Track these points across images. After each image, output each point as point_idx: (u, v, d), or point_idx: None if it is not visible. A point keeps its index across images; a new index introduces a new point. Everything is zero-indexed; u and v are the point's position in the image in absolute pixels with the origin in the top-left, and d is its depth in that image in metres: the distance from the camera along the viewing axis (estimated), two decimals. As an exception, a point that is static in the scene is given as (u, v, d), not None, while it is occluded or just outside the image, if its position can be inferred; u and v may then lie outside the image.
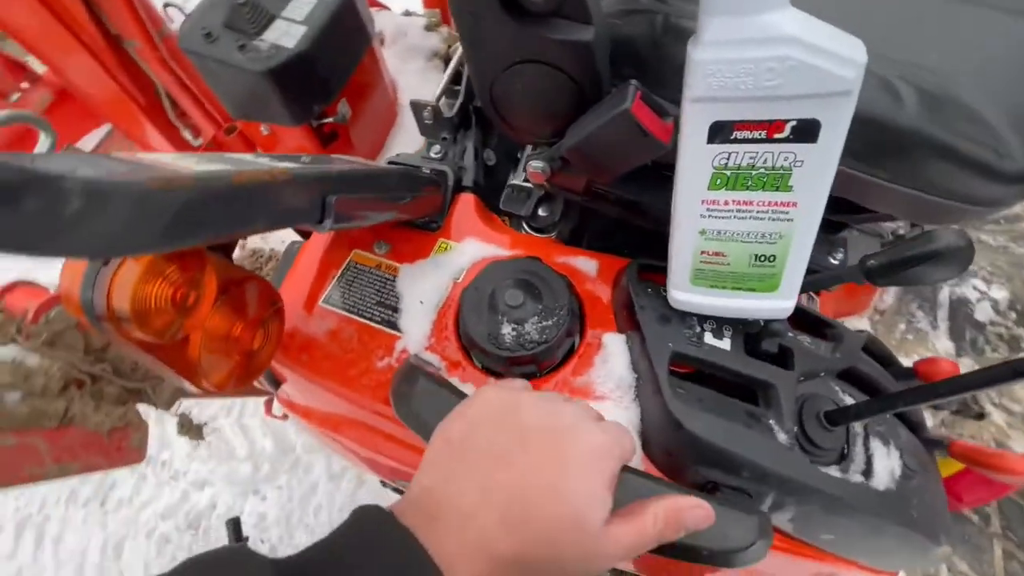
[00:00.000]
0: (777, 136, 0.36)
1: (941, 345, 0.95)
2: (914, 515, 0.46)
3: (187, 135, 1.22)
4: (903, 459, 0.48)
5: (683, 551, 0.34)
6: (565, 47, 0.42)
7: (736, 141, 0.37)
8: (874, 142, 0.43)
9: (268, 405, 0.85)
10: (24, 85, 1.45)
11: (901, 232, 0.71)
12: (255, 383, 0.68)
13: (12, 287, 0.62)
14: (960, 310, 0.98)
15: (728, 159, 0.38)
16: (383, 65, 1.06)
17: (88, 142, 1.51)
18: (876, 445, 0.48)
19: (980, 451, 0.54)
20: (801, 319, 0.57)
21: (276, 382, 0.65)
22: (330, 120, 0.91)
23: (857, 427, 0.49)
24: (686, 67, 0.36)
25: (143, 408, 0.73)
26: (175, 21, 1.07)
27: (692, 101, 0.37)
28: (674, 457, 0.46)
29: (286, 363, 0.58)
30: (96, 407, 0.64)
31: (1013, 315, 0.97)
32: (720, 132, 0.37)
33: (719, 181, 0.40)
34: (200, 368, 0.45)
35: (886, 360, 0.61)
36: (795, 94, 0.34)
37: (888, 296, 0.95)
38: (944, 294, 0.97)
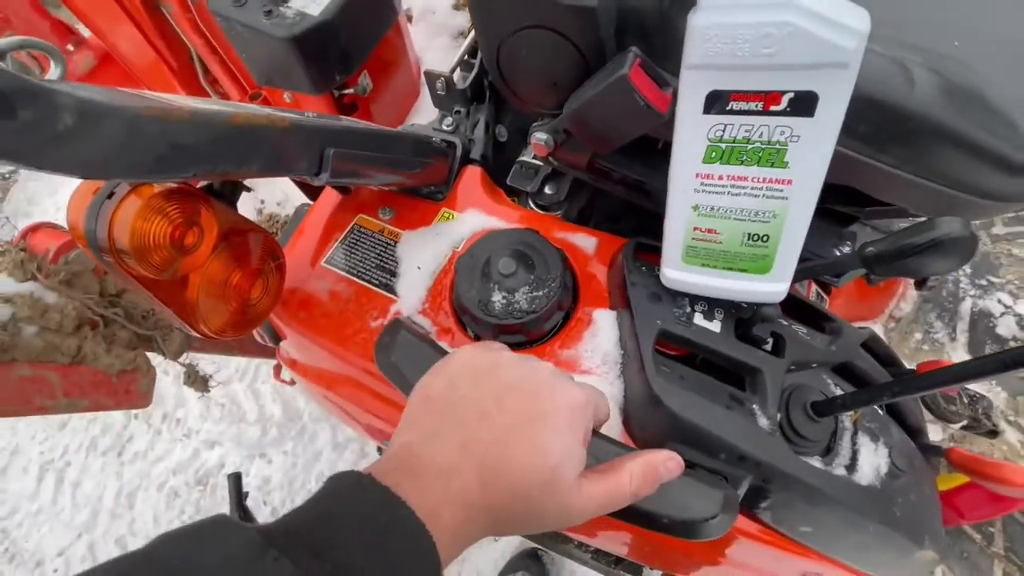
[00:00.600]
0: (774, 109, 0.36)
1: (958, 358, 0.91)
2: (896, 514, 0.45)
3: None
4: (891, 457, 0.47)
5: (644, 518, 0.34)
6: (570, 13, 0.42)
7: (732, 112, 0.37)
8: (880, 125, 0.41)
9: (277, 370, 0.87)
10: (69, 48, 1.51)
11: (917, 232, 0.68)
12: (257, 338, 0.70)
13: (36, 228, 0.65)
14: (981, 323, 0.94)
15: (724, 131, 0.38)
16: (408, 41, 1.07)
17: (126, 106, 1.57)
18: (864, 441, 0.47)
19: (978, 460, 0.52)
20: (801, 310, 0.56)
21: (277, 337, 0.66)
22: (350, 91, 0.93)
23: (846, 422, 0.48)
24: (686, 34, 0.36)
25: (152, 357, 0.76)
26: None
27: (689, 68, 0.36)
28: (652, 434, 0.46)
29: (285, 319, 0.60)
30: (107, 349, 0.67)
31: (1039, 333, 0.93)
32: (716, 102, 0.37)
33: (714, 154, 0.39)
34: (198, 310, 0.47)
35: (888, 360, 0.59)
36: (792, 63, 0.33)
37: (905, 304, 0.92)
38: (966, 305, 0.93)
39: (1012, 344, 0.91)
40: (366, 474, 0.27)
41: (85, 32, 1.43)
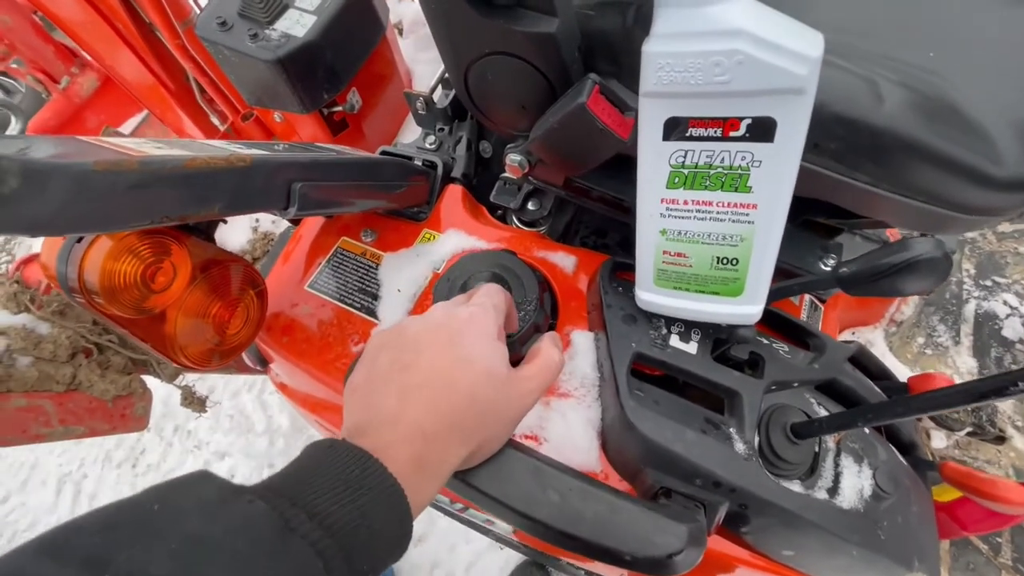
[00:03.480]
0: (733, 134, 0.35)
1: (962, 362, 0.89)
2: (881, 537, 0.44)
3: (215, 120, 1.28)
4: (875, 479, 0.46)
5: (607, 554, 0.34)
6: (529, 39, 0.42)
7: (692, 139, 0.36)
8: (850, 143, 0.40)
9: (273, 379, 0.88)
10: (74, 71, 1.55)
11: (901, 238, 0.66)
12: (247, 362, 0.71)
13: (29, 260, 0.67)
14: (986, 326, 0.91)
15: (685, 157, 0.37)
16: (399, 55, 1.07)
17: (128, 126, 1.60)
18: (847, 463, 0.46)
19: (972, 476, 0.51)
20: (783, 327, 0.55)
21: (263, 361, 0.67)
22: (340, 109, 0.93)
23: (830, 442, 0.47)
24: (641, 61, 0.35)
25: (149, 380, 0.77)
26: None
27: (645, 96, 0.36)
28: (628, 458, 0.46)
29: (269, 343, 0.61)
30: (102, 375, 0.68)
31: (1049, 334, 0.90)
32: (675, 128, 0.36)
33: (677, 179, 0.39)
34: (176, 344, 0.48)
35: (878, 374, 0.58)
36: (747, 90, 0.32)
37: (907, 307, 0.89)
38: (970, 308, 0.90)
39: (1020, 347, 0.88)
40: (338, 439, 0.29)
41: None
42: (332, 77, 0.89)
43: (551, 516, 0.34)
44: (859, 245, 0.64)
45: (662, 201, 0.40)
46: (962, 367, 0.88)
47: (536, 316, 0.51)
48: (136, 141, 0.38)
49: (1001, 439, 0.80)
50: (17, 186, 0.26)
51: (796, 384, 0.48)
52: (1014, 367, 0.96)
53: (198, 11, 1.11)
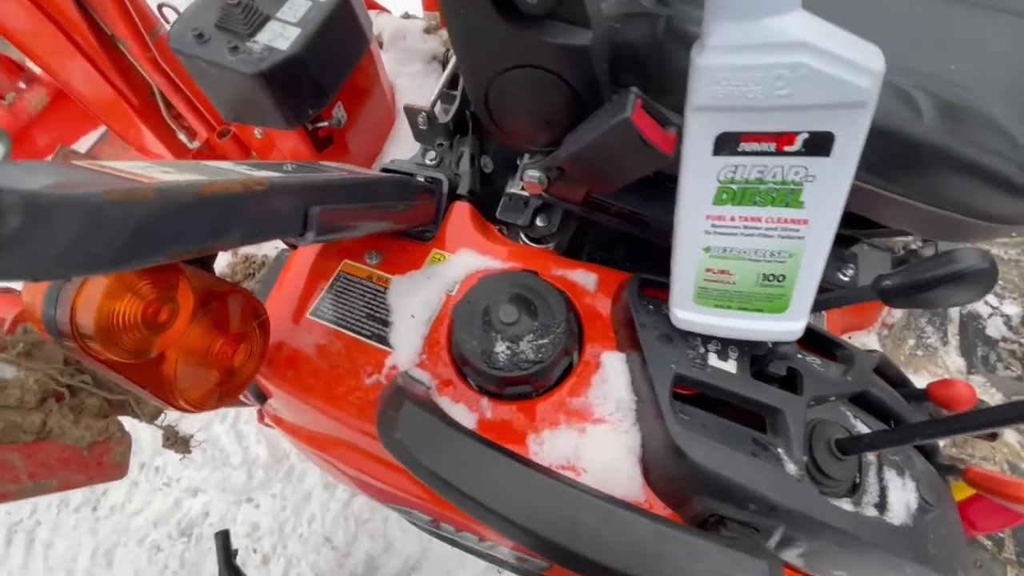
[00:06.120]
0: (788, 149, 0.34)
1: (951, 362, 0.92)
2: (931, 551, 0.43)
3: (183, 137, 1.21)
4: (919, 491, 0.45)
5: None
6: (561, 51, 0.40)
7: (743, 153, 0.35)
8: (889, 155, 0.40)
9: (261, 413, 0.83)
10: (21, 85, 1.44)
11: (913, 247, 0.68)
12: (240, 396, 0.65)
13: (-11, 296, 0.60)
14: (970, 325, 0.95)
15: (735, 172, 0.36)
16: (381, 68, 1.04)
17: (84, 143, 1.50)
18: (891, 476, 0.45)
19: (996, 480, 0.51)
20: (809, 338, 0.54)
21: (262, 396, 0.62)
22: (325, 124, 0.89)
23: (870, 456, 0.46)
24: (690, 74, 0.34)
25: (126, 420, 0.70)
26: (170, 22, 1.06)
27: (696, 110, 0.34)
28: (676, 486, 0.44)
29: (271, 378, 0.56)
30: (75, 420, 0.62)
31: (1027, 331, 0.95)
32: (726, 144, 0.35)
33: (725, 196, 0.37)
34: (176, 387, 0.43)
35: (898, 381, 0.58)
36: (807, 104, 0.31)
37: (897, 311, 0.92)
38: (955, 309, 0.94)
39: (1003, 344, 0.92)
40: None
41: (37, 67, 1.36)
42: (317, 91, 0.85)
43: (625, 561, 0.31)
44: (868, 253, 0.65)
45: (707, 218, 0.39)
46: (951, 366, 0.91)
47: (565, 340, 0.49)
48: (137, 165, 0.34)
49: (994, 435, 0.82)
50: (20, 224, 0.22)
51: (832, 398, 0.48)
52: (999, 366, 1.01)
53: (164, 22, 1.05)
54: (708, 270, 0.42)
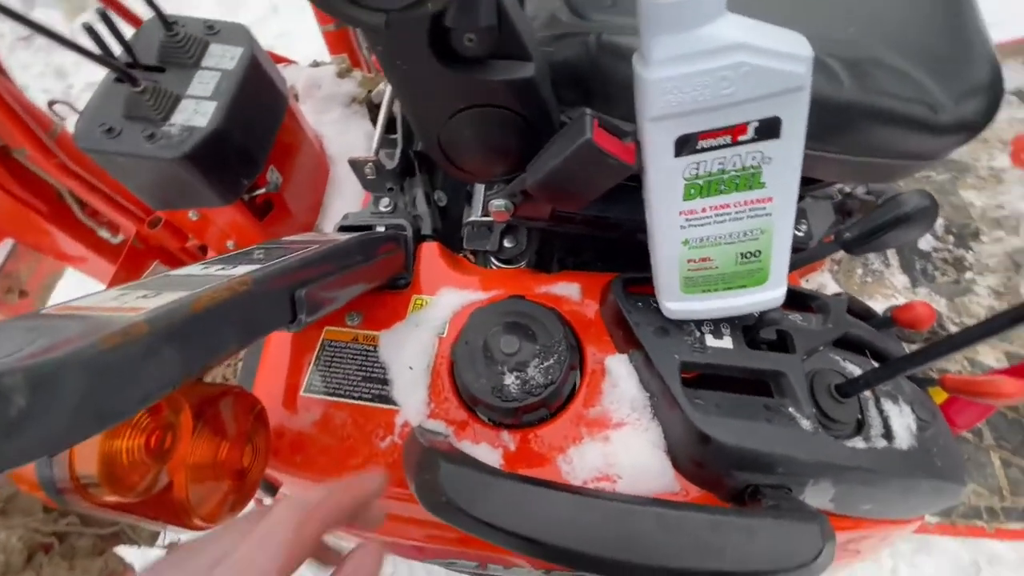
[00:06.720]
0: (742, 139, 0.36)
1: (897, 280, 1.00)
2: (938, 463, 0.47)
3: (104, 234, 1.13)
4: (915, 412, 0.49)
5: (754, 576, 0.33)
6: (508, 87, 0.41)
7: (703, 151, 0.37)
8: (822, 121, 0.43)
9: (259, 502, 0.79)
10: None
11: (847, 190, 0.74)
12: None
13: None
14: (905, 244, 1.04)
15: (698, 168, 0.38)
16: (304, 121, 1.02)
17: (-10, 262, 1.37)
18: (888, 405, 0.49)
19: (971, 382, 0.56)
20: (787, 299, 0.58)
21: (272, 488, 0.59)
22: (262, 191, 0.86)
23: (866, 392, 0.50)
24: (638, 88, 0.36)
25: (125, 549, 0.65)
26: (66, 118, 0.99)
27: (652, 121, 0.36)
28: (706, 468, 0.45)
29: (280, 467, 0.54)
30: (70, 567, 0.57)
31: (951, 238, 1.05)
32: (686, 145, 0.37)
33: (693, 191, 0.39)
34: (190, 508, 0.41)
35: (866, 315, 0.62)
36: (753, 97, 0.34)
37: (841, 245, 1.00)
38: (888, 232, 1.02)
39: (935, 255, 1.02)
40: None
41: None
42: (247, 161, 0.82)
43: (693, 560, 0.33)
44: (812, 205, 0.70)
45: (681, 214, 0.41)
46: (898, 284, 0.99)
47: (570, 355, 0.50)
48: (108, 296, 0.32)
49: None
50: (26, 403, 0.20)
51: (821, 348, 0.51)
52: (937, 274, 1.11)
53: (59, 121, 0.98)
54: (690, 260, 0.44)
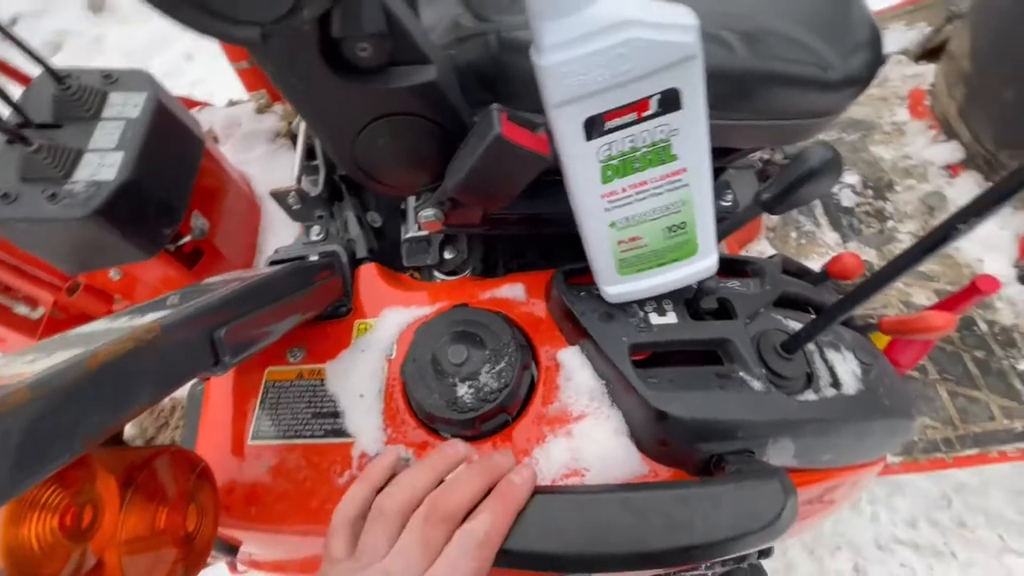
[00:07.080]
0: (646, 114, 0.37)
1: (828, 238, 1.05)
2: (887, 403, 0.49)
3: (21, 309, 1.05)
4: (857, 356, 0.51)
5: (725, 543, 0.33)
6: (412, 92, 0.40)
7: (612, 131, 0.37)
8: (723, 90, 0.45)
9: (231, 566, 0.74)
10: None
11: (766, 157, 0.77)
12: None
13: None
14: (830, 203, 1.09)
15: (610, 149, 0.38)
16: (225, 162, 0.98)
17: None
18: (832, 354, 0.50)
19: (905, 321, 0.59)
20: (723, 267, 0.59)
21: (230, 548, 0.55)
22: (188, 239, 0.82)
23: (809, 345, 0.51)
24: (538, 78, 0.36)
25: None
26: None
27: (556, 107, 0.36)
28: (669, 446, 0.45)
29: (235, 523, 0.50)
30: None
31: (870, 192, 1.11)
32: (594, 127, 0.37)
33: (609, 172, 0.40)
34: (129, 586, 0.37)
35: (801, 272, 0.65)
36: (648, 71, 0.34)
37: (774, 216, 1.04)
38: (814, 194, 1.08)
39: (858, 210, 1.07)
40: None
41: None
42: (166, 209, 0.78)
43: (665, 539, 0.32)
44: (735, 176, 0.72)
45: (602, 197, 0.41)
46: (830, 241, 1.04)
47: (522, 356, 0.49)
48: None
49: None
50: None
51: (762, 310, 0.52)
52: (863, 227, 1.17)
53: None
54: (620, 242, 0.44)
